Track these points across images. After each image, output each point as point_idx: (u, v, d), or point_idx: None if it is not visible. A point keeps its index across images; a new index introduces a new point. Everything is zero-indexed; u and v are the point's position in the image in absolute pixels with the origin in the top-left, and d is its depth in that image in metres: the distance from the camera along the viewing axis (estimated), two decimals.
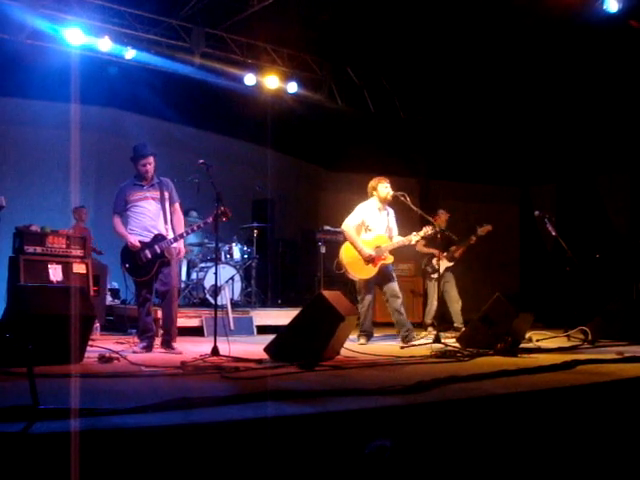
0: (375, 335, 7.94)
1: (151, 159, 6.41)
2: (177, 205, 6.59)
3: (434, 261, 9.46)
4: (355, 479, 3.05)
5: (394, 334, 8.26)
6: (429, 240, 9.09)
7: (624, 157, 11.50)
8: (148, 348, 6.27)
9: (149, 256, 6.25)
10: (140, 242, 6.28)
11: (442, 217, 9.62)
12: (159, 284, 6.39)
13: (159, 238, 6.31)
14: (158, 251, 6.26)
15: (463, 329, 8.11)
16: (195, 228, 6.65)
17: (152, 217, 6.39)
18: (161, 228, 6.38)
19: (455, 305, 9.50)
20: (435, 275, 9.44)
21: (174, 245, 6.38)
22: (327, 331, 5.46)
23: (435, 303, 9.11)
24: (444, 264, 9.50)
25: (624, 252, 10.57)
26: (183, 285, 9.56)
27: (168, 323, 6.39)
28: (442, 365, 5.47)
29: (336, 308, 5.49)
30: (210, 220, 6.16)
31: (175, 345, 6.32)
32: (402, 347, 6.93)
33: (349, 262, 7.51)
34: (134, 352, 6.05)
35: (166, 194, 6.46)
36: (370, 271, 7.45)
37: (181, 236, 6.42)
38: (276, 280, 11.56)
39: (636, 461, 3.95)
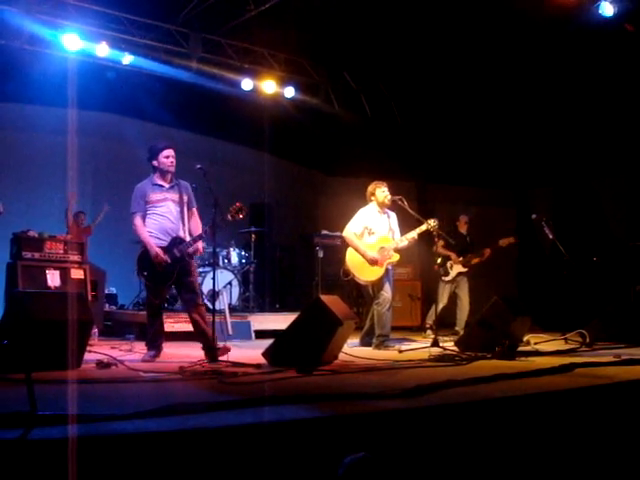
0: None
1: (172, 151, 6.08)
2: (195, 210, 6.28)
3: (448, 264, 9.50)
4: None
5: (398, 338, 8.30)
6: (449, 243, 9.00)
7: (622, 160, 11.51)
8: (157, 356, 5.99)
9: (169, 261, 5.91)
10: (159, 247, 5.94)
11: (462, 221, 9.77)
12: (185, 292, 6.08)
13: (177, 241, 5.98)
14: (178, 255, 5.92)
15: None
16: (208, 230, 6.12)
17: (173, 220, 6.05)
18: (181, 232, 6.08)
19: (464, 311, 9.52)
20: (447, 278, 9.46)
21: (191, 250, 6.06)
22: (325, 335, 5.46)
23: (440, 305, 9.10)
24: (457, 268, 9.53)
25: (621, 255, 10.57)
26: None
27: (204, 329, 5.91)
28: (440, 369, 5.48)
29: (334, 312, 5.49)
30: (221, 220, 5.91)
31: (219, 344, 5.94)
32: (400, 351, 6.94)
33: (355, 267, 7.46)
34: (144, 360, 5.81)
35: (185, 197, 6.16)
36: (378, 272, 7.40)
37: (200, 237, 6.06)
38: (274, 285, 11.55)
39: (634, 463, 3.96)
